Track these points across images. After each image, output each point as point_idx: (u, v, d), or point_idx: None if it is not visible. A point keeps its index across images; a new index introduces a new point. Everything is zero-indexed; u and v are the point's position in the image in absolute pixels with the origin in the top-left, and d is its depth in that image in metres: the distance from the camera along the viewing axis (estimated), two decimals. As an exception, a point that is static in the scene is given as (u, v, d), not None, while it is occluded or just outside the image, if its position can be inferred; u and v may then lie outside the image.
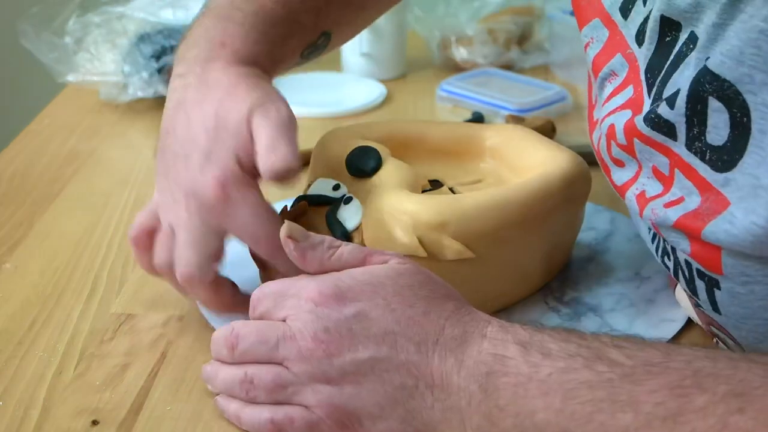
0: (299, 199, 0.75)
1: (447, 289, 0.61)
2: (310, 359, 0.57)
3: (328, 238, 0.63)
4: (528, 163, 0.78)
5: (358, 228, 0.72)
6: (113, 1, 1.22)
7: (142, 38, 1.16)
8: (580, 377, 0.52)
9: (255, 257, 0.74)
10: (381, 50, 1.28)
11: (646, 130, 0.59)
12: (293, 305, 0.59)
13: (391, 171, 0.74)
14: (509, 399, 0.53)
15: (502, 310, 0.75)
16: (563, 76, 1.28)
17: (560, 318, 0.74)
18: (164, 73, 1.14)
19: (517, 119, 1.11)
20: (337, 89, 1.26)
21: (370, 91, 1.23)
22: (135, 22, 1.18)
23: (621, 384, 0.50)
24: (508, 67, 1.30)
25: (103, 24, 1.19)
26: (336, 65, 1.31)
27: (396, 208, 0.70)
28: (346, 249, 0.62)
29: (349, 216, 0.72)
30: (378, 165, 0.74)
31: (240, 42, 0.73)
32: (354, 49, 1.28)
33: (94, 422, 0.63)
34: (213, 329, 0.73)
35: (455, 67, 1.30)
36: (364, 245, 0.71)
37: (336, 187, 0.75)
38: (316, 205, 0.75)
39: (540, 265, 0.76)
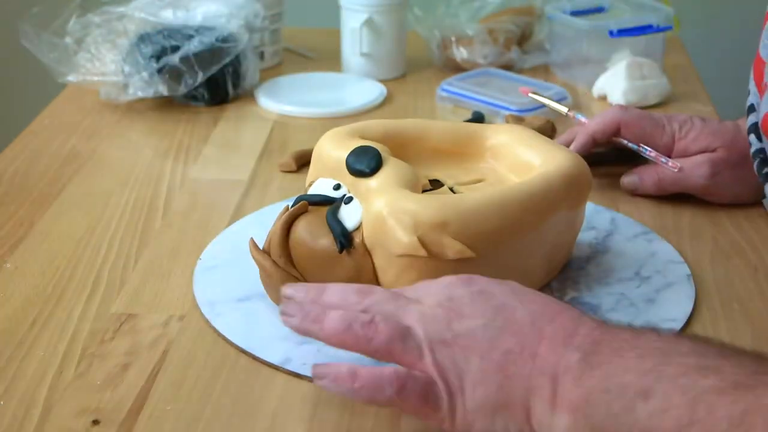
0: (299, 199, 0.75)
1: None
2: (431, 321, 0.60)
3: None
4: (528, 163, 0.78)
5: (358, 228, 0.72)
6: (113, 1, 1.21)
7: (142, 38, 1.16)
8: (690, 370, 0.53)
9: (255, 257, 0.74)
10: (381, 50, 1.28)
11: None
12: (427, 287, 0.64)
13: (391, 171, 0.74)
14: (603, 360, 0.55)
15: None
16: (563, 76, 1.28)
17: None
18: (164, 73, 1.14)
19: (517, 119, 1.11)
20: (337, 89, 1.26)
21: (370, 91, 1.23)
22: (135, 22, 1.18)
23: (707, 356, 0.53)
24: (508, 67, 1.30)
25: (103, 24, 1.18)
26: (336, 65, 1.31)
27: (396, 207, 0.70)
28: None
29: (349, 216, 0.72)
30: (378, 165, 0.74)
31: None
32: (354, 49, 1.28)
33: (95, 422, 0.64)
34: (212, 330, 0.73)
35: (455, 67, 1.30)
36: (364, 245, 0.71)
37: (336, 187, 0.75)
38: (316, 205, 0.75)
39: (540, 264, 0.76)
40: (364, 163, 0.74)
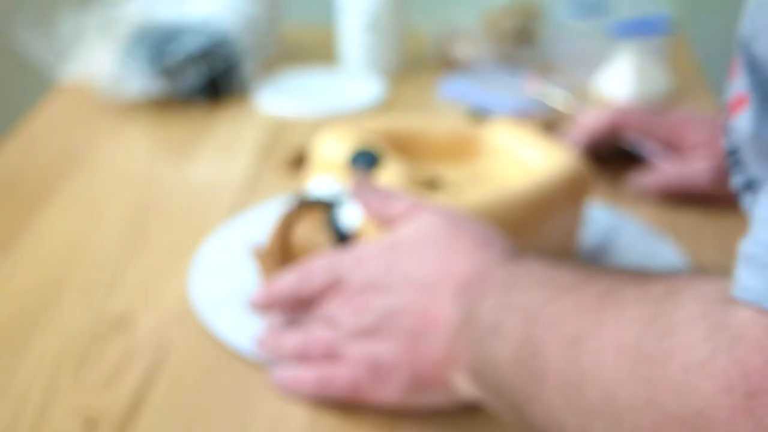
0: (299, 199, 0.75)
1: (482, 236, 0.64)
2: (354, 313, 0.63)
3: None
4: (528, 162, 0.77)
5: (358, 228, 0.72)
6: (113, 1, 1.21)
7: (142, 38, 1.16)
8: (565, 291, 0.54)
9: (255, 258, 0.74)
10: (381, 50, 1.27)
11: None
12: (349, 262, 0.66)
13: (390, 171, 0.74)
14: (474, 304, 0.57)
15: None
16: (563, 76, 1.28)
17: None
18: (164, 73, 1.14)
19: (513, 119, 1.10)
20: (336, 88, 1.26)
21: (370, 89, 1.23)
22: (135, 22, 1.18)
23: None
24: (508, 67, 1.30)
25: (102, 24, 1.18)
26: (336, 64, 1.31)
27: None
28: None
29: (349, 216, 0.72)
30: (378, 165, 0.74)
31: None
32: (354, 49, 1.27)
33: (93, 423, 0.63)
34: (211, 330, 0.73)
35: (455, 66, 1.30)
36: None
37: (336, 187, 0.75)
38: (316, 205, 0.74)
39: None
40: (364, 163, 0.74)
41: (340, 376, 0.63)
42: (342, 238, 0.71)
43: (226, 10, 1.19)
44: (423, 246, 0.63)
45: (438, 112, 1.19)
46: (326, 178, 0.77)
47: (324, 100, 1.20)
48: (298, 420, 0.64)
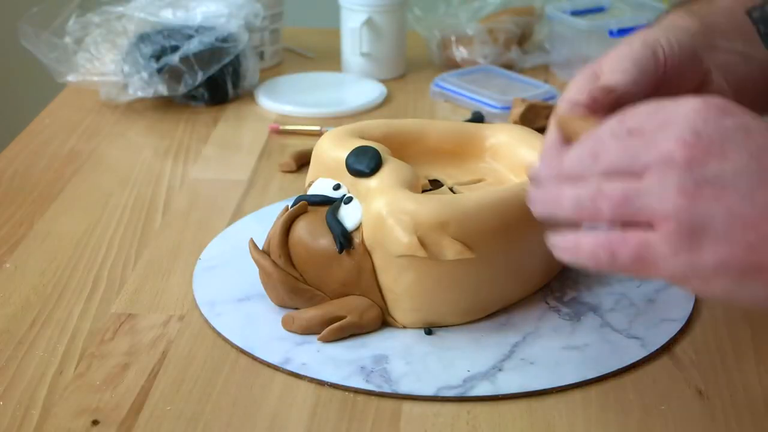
0: (299, 199, 0.75)
1: None
2: (672, 164, 0.50)
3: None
4: (525, 162, 0.77)
5: (357, 228, 0.72)
6: (113, 1, 1.21)
7: (142, 38, 1.16)
8: None
9: (255, 258, 0.74)
10: (381, 50, 1.28)
11: None
12: (669, 115, 0.53)
13: (391, 171, 0.73)
14: None
15: (502, 311, 0.75)
16: (563, 76, 1.28)
17: (561, 318, 0.74)
18: (164, 73, 1.14)
19: (526, 102, 1.10)
20: (337, 89, 1.26)
21: (370, 91, 1.23)
22: (135, 22, 1.18)
23: None
24: (508, 66, 1.30)
25: (103, 24, 1.18)
26: (336, 65, 1.31)
27: (396, 207, 0.70)
28: None
29: (349, 216, 0.72)
30: (378, 165, 0.74)
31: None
32: (354, 49, 1.28)
33: (95, 422, 0.64)
34: (212, 330, 0.73)
35: (455, 67, 1.30)
36: (364, 245, 0.71)
37: (336, 187, 0.75)
38: (316, 205, 0.74)
39: (540, 264, 0.76)
40: (364, 163, 0.74)
41: (637, 236, 0.51)
42: (342, 236, 0.71)
43: (229, 11, 1.19)
44: None
45: (437, 113, 1.19)
46: (326, 178, 0.77)
47: (325, 102, 1.20)
48: (299, 419, 0.65)
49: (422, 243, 0.68)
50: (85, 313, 0.76)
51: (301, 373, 0.68)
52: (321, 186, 0.76)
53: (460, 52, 1.30)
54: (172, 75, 1.14)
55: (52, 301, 0.77)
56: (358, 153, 0.74)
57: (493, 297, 0.74)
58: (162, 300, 0.78)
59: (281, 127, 1.11)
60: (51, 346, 0.72)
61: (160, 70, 1.14)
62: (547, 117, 1.10)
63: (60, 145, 1.08)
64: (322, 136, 0.80)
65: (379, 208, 0.70)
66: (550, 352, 0.71)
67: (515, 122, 1.09)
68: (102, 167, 1.04)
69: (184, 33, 1.16)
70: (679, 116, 0.52)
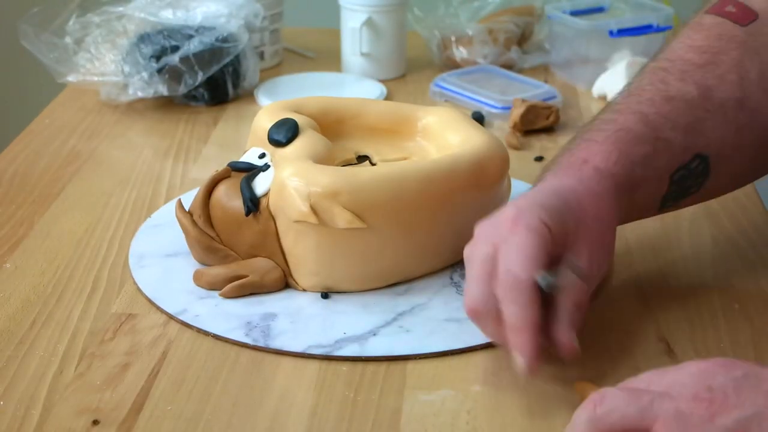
0: (231, 167, 0.80)
1: None
2: (689, 419, 0.51)
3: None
4: (450, 143, 0.81)
5: (266, 194, 0.76)
6: (113, 1, 1.21)
7: (142, 38, 1.16)
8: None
9: (177, 215, 0.80)
10: (381, 50, 1.28)
11: None
12: (673, 377, 0.55)
13: (304, 142, 0.78)
14: None
15: (405, 282, 0.78)
16: (563, 76, 1.28)
17: (457, 293, 0.77)
18: (164, 73, 1.14)
19: (525, 103, 1.10)
20: (337, 89, 1.26)
21: (370, 91, 1.23)
22: (135, 22, 1.18)
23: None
24: (508, 66, 1.30)
25: (103, 24, 1.18)
26: (336, 65, 1.31)
27: (295, 176, 0.74)
28: None
29: (262, 183, 0.77)
30: (293, 136, 0.79)
31: (600, 159, 0.71)
32: (354, 49, 1.27)
33: (95, 422, 0.64)
34: (213, 330, 0.73)
35: (455, 67, 1.30)
36: (269, 210, 0.76)
37: (261, 156, 0.80)
38: (240, 171, 0.79)
39: (446, 243, 0.78)
40: (281, 133, 0.79)
41: None
42: (250, 201, 0.76)
43: (229, 11, 1.19)
44: None
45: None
46: (257, 147, 0.81)
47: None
48: (299, 419, 0.65)
49: (315, 210, 0.73)
50: (85, 313, 0.76)
51: (190, 323, 0.73)
52: (250, 155, 0.81)
53: (460, 52, 1.30)
54: (172, 75, 1.14)
55: (52, 301, 0.77)
56: (279, 124, 0.80)
57: (390, 267, 0.77)
58: (162, 300, 0.77)
59: None
60: (51, 346, 0.72)
61: (160, 70, 1.14)
62: (548, 117, 1.10)
63: (60, 145, 1.08)
64: (262, 109, 0.85)
65: (283, 177, 0.75)
66: (429, 323, 0.74)
67: (515, 123, 1.09)
68: (102, 167, 1.04)
69: (184, 33, 1.16)
70: (686, 377, 0.53)
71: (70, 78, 1.16)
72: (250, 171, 0.79)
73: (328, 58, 1.34)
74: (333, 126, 0.84)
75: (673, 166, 0.74)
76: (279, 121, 0.80)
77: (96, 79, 1.16)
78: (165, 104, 1.18)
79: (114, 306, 0.77)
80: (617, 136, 0.72)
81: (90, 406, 0.65)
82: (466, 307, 0.65)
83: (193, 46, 1.14)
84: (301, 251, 0.76)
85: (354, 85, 1.26)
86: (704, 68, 0.75)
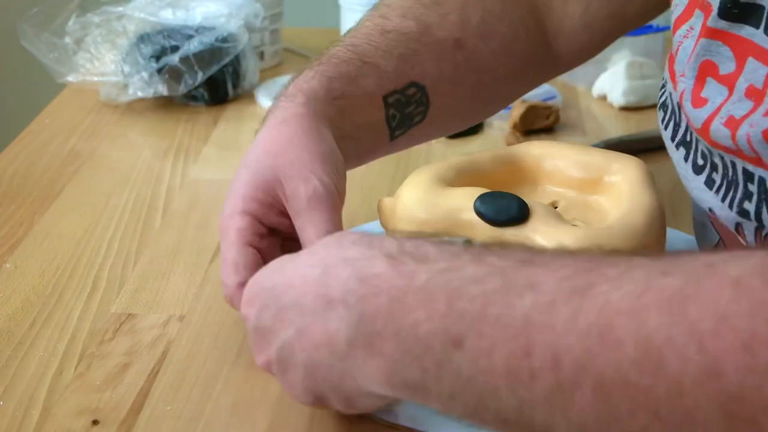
0: None
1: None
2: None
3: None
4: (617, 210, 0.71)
5: None
6: (113, 1, 1.21)
7: (142, 38, 1.16)
8: (466, 274, 0.46)
9: None
10: (381, 50, 1.28)
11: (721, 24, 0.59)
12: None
13: (539, 210, 0.68)
14: (385, 320, 0.48)
15: None
16: (563, 76, 1.28)
17: None
18: (164, 73, 1.14)
19: (525, 104, 1.10)
20: (337, 89, 1.26)
21: (370, 91, 1.23)
22: (135, 22, 1.18)
23: (517, 270, 0.45)
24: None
25: (103, 24, 1.18)
26: (336, 65, 1.31)
27: (584, 243, 0.64)
28: None
29: None
30: (524, 208, 0.67)
31: (296, 85, 0.74)
32: (354, 49, 1.28)
33: (95, 422, 0.64)
34: (213, 329, 0.73)
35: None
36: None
37: (466, 243, 0.66)
38: None
39: None
40: (507, 210, 0.67)
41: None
42: None
43: (229, 11, 1.20)
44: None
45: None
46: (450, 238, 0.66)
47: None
48: (298, 420, 0.65)
49: None
50: (85, 313, 0.76)
51: None
52: None
53: (460, 52, 1.30)
54: (172, 75, 1.14)
55: (52, 301, 0.77)
56: (497, 204, 0.67)
57: None
58: (162, 300, 0.78)
59: None
60: (51, 346, 0.72)
61: (160, 70, 1.14)
62: (548, 117, 1.10)
63: (60, 145, 1.08)
64: (403, 196, 0.71)
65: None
66: None
67: (515, 123, 1.09)
68: (102, 167, 1.04)
69: (184, 33, 1.16)
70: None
71: (70, 78, 1.16)
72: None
73: (328, 58, 1.34)
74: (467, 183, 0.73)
75: (386, 89, 0.76)
76: (490, 199, 0.67)
77: (96, 79, 1.16)
78: (165, 104, 1.18)
79: (114, 306, 0.77)
80: (319, 62, 0.76)
81: (90, 406, 0.65)
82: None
83: (193, 46, 1.14)
84: None
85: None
86: (428, 7, 0.79)
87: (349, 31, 0.80)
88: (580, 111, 1.18)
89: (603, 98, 1.20)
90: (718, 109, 0.61)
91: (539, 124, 1.10)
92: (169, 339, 0.73)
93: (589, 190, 0.73)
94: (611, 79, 1.19)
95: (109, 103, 1.17)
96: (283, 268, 0.58)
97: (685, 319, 0.39)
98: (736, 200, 0.62)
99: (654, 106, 1.18)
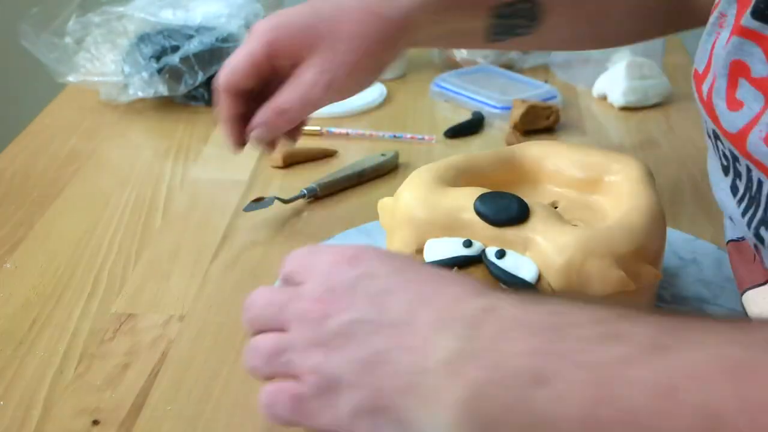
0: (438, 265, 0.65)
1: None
2: (308, 321, 0.53)
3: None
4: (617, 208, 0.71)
5: (540, 278, 0.64)
6: (113, 1, 1.22)
7: (142, 38, 1.16)
8: (570, 319, 0.47)
9: None
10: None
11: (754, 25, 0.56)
12: (313, 266, 0.55)
13: (539, 211, 0.67)
14: (487, 345, 0.47)
15: None
16: (563, 76, 1.28)
17: None
18: (164, 73, 1.14)
19: (525, 103, 1.10)
20: (337, 89, 1.26)
21: (370, 91, 1.23)
22: (135, 22, 1.18)
23: (611, 323, 0.46)
24: (508, 67, 1.30)
25: (103, 24, 1.19)
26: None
27: (589, 242, 0.64)
28: None
29: (519, 269, 0.65)
30: (524, 208, 0.66)
31: None
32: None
33: (95, 422, 0.64)
34: (213, 329, 0.73)
35: (455, 67, 1.30)
36: (553, 293, 0.64)
37: (467, 245, 0.66)
38: (461, 269, 0.66)
39: None
40: (507, 210, 0.66)
41: (291, 388, 0.53)
42: (524, 287, 0.64)
43: (229, 11, 1.20)
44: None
45: (436, 113, 1.19)
46: (443, 238, 0.67)
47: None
48: (299, 419, 0.65)
49: (628, 275, 0.64)
50: (85, 313, 0.76)
51: None
52: (445, 248, 0.67)
53: (460, 52, 1.30)
54: (172, 75, 1.14)
55: (52, 301, 0.78)
56: (497, 204, 0.67)
57: None
58: (162, 300, 0.78)
59: None
60: (51, 346, 0.72)
61: (160, 70, 1.14)
62: (548, 117, 1.11)
63: (60, 145, 1.08)
64: (404, 196, 0.70)
65: (570, 249, 0.63)
66: None
67: (516, 123, 1.09)
68: (102, 167, 1.04)
69: (184, 33, 1.16)
70: (319, 267, 0.55)
71: (70, 78, 1.16)
72: (471, 264, 0.65)
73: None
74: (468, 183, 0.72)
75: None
76: (490, 199, 0.67)
77: (96, 79, 1.16)
78: (165, 104, 1.18)
79: (114, 306, 0.77)
80: None
81: (90, 406, 0.65)
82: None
83: (193, 46, 1.14)
84: None
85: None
86: None
87: None
88: (580, 111, 1.18)
89: (603, 98, 1.21)
90: (757, 117, 0.57)
91: (539, 124, 1.10)
92: (169, 339, 0.73)
93: (589, 190, 0.73)
94: (611, 79, 1.19)
95: (109, 103, 1.17)
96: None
97: (744, 391, 0.40)
98: (755, 221, 0.59)
99: (654, 106, 1.18)
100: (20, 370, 0.69)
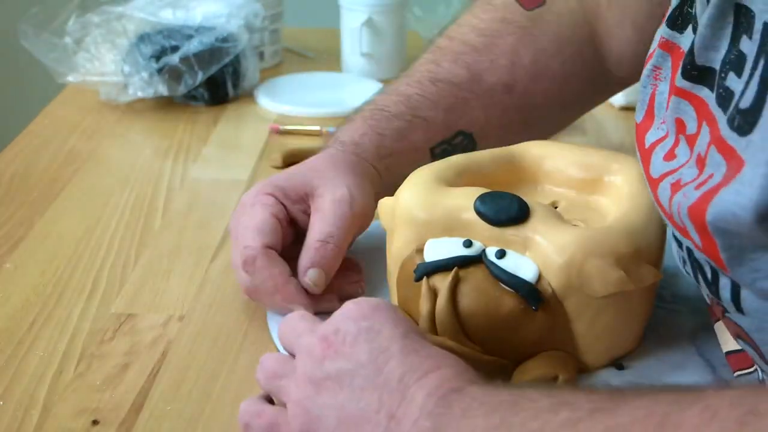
0: (433, 266, 0.66)
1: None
2: (310, 355, 0.56)
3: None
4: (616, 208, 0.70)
5: (540, 278, 0.64)
6: (113, 1, 1.22)
7: (142, 38, 1.16)
8: (540, 405, 0.49)
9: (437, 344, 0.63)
10: (381, 50, 1.28)
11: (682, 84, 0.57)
12: (342, 306, 0.58)
13: (539, 210, 0.66)
14: (452, 423, 0.50)
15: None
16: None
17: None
18: (164, 73, 1.14)
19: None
20: (337, 89, 1.26)
21: (370, 91, 1.21)
22: (135, 22, 1.18)
23: (591, 416, 0.47)
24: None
25: (103, 24, 1.19)
26: (336, 65, 1.31)
27: (588, 241, 0.63)
28: None
29: (519, 269, 0.64)
30: (525, 209, 0.66)
31: (348, 134, 0.79)
32: (354, 49, 1.28)
33: (95, 422, 0.64)
34: (213, 329, 0.73)
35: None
36: (555, 295, 0.64)
37: (467, 244, 0.66)
38: (460, 269, 0.65)
39: None
40: (507, 209, 0.66)
41: (271, 413, 0.57)
42: (531, 294, 0.63)
43: (229, 11, 1.20)
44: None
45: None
46: (443, 238, 0.67)
47: (325, 101, 1.20)
48: (299, 419, 0.65)
49: (628, 275, 0.63)
50: (85, 313, 0.76)
51: None
52: (444, 247, 0.66)
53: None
54: (172, 75, 1.14)
55: (52, 301, 0.77)
56: (497, 204, 0.66)
57: (642, 323, 0.70)
58: (162, 300, 0.78)
59: (281, 128, 1.11)
60: (51, 346, 0.72)
61: (160, 70, 1.14)
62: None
63: (60, 145, 1.08)
64: (404, 196, 0.70)
65: (570, 248, 0.63)
66: None
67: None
68: (102, 167, 1.04)
69: (184, 33, 1.16)
70: (344, 308, 0.57)
71: (70, 78, 1.16)
72: (471, 264, 0.65)
73: (328, 58, 1.34)
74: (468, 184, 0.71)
75: (434, 140, 0.81)
76: (490, 199, 0.66)
77: (96, 79, 1.16)
78: (165, 104, 1.18)
79: (114, 306, 0.77)
80: (372, 113, 0.81)
81: (90, 406, 0.65)
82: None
83: (193, 46, 1.14)
84: (599, 328, 0.65)
85: (354, 85, 1.26)
86: (479, 52, 0.82)
87: (401, 75, 0.84)
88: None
89: (603, 98, 1.20)
90: (677, 168, 0.58)
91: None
92: (169, 339, 0.73)
93: (589, 190, 0.73)
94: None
95: (109, 103, 1.17)
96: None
97: None
98: (677, 258, 0.61)
99: (654, 106, 1.18)
100: (20, 370, 0.69)
